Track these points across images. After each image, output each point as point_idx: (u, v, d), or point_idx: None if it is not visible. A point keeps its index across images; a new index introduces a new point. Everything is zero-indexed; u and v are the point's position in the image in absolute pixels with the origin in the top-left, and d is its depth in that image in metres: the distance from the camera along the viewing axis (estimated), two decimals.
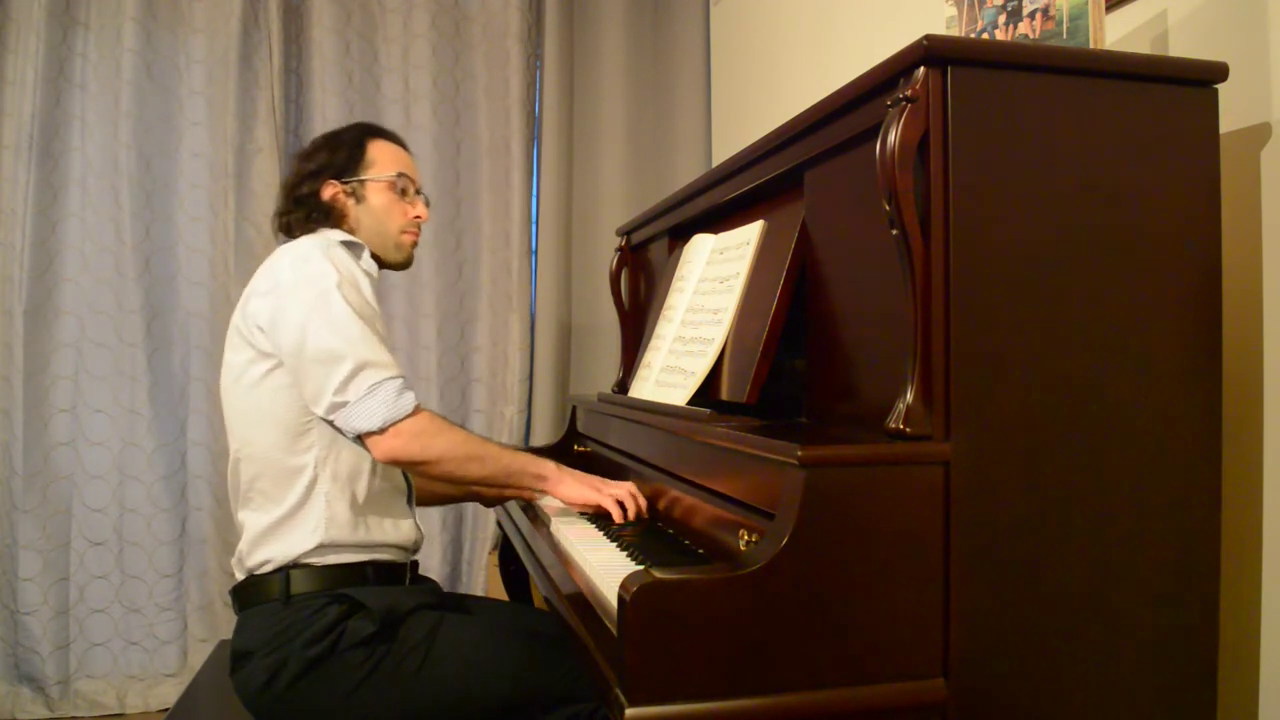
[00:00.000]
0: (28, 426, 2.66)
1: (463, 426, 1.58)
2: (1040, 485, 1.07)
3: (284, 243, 1.61)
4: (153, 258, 2.79)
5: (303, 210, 1.62)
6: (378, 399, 1.41)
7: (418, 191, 1.71)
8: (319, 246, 1.49)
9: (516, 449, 1.63)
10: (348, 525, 1.46)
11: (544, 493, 1.62)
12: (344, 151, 1.65)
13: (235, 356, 1.52)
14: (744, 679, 0.98)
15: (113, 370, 2.76)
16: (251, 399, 1.48)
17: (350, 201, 1.64)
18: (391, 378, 1.43)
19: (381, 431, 1.42)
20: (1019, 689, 1.07)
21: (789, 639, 0.99)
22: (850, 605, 1.01)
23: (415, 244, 1.72)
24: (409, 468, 1.54)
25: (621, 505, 1.57)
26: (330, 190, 1.62)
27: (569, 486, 1.58)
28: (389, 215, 1.66)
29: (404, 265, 1.72)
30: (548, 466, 1.60)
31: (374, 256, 1.66)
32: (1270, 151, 1.22)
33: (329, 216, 1.63)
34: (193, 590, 2.81)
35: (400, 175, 1.67)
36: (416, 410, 1.45)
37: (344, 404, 1.41)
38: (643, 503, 1.58)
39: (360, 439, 1.45)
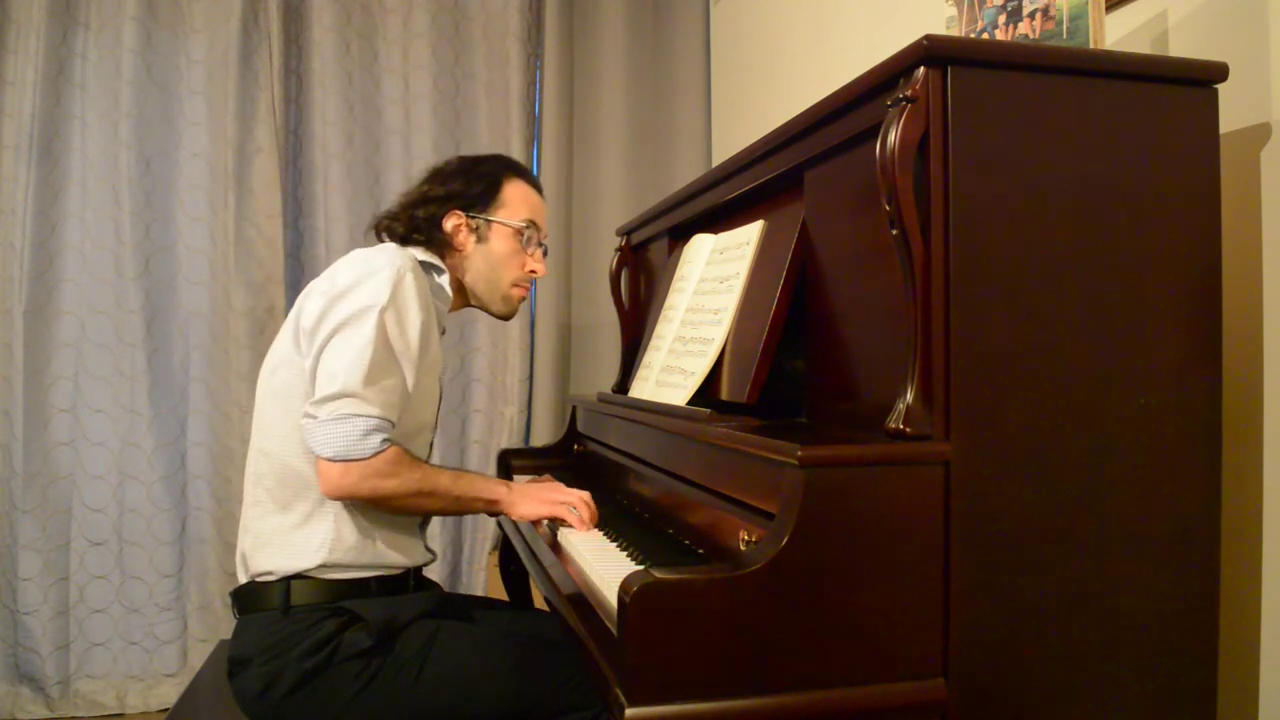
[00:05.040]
0: (28, 426, 2.66)
1: (426, 461, 1.53)
2: (1040, 485, 1.07)
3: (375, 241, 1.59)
4: (153, 258, 2.79)
5: (409, 225, 1.58)
6: (341, 429, 1.36)
7: (540, 243, 1.67)
8: (392, 264, 1.44)
9: (470, 473, 1.60)
10: (354, 548, 1.44)
11: (500, 514, 1.61)
12: (480, 184, 1.61)
13: (279, 347, 1.49)
14: (744, 679, 0.98)
15: (113, 370, 2.75)
16: (278, 399, 1.46)
17: (471, 239, 1.61)
18: (368, 416, 1.38)
19: (332, 461, 1.37)
20: (1019, 689, 1.07)
21: (789, 639, 0.99)
22: (850, 605, 1.01)
23: (524, 299, 1.68)
24: (361, 503, 1.47)
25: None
26: (454, 221, 1.59)
27: (523, 506, 1.58)
28: (506, 264, 1.62)
29: (505, 317, 1.69)
30: (499, 490, 1.58)
31: (472, 302, 1.64)
32: (1270, 151, 1.22)
33: (434, 243, 1.58)
34: (193, 590, 2.81)
35: (529, 224, 1.63)
36: (376, 454, 1.38)
37: (313, 417, 1.38)
38: (594, 511, 1.58)
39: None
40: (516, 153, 2.99)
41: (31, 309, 2.67)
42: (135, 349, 2.75)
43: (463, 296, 1.66)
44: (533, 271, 1.66)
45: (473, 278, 1.63)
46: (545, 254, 1.69)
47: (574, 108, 3.13)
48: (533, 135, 3.06)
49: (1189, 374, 1.13)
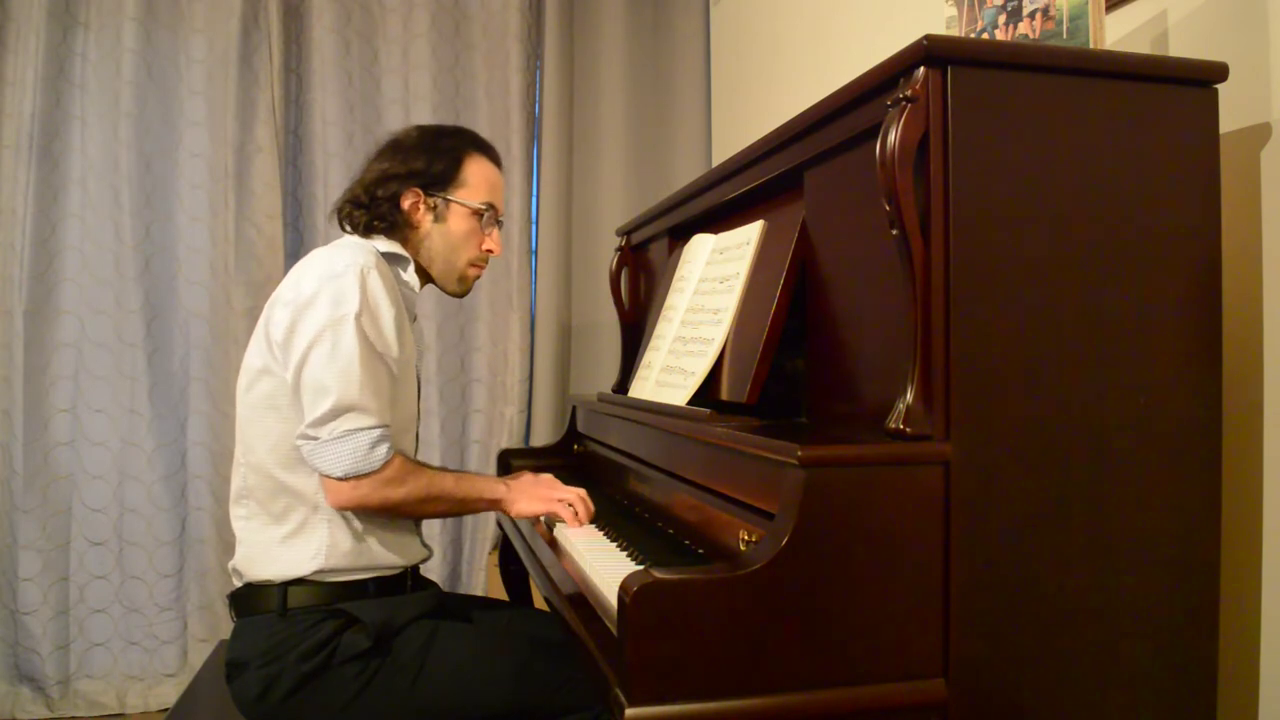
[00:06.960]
0: (28, 426, 2.66)
1: (427, 465, 1.53)
2: (1040, 485, 1.07)
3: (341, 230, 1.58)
4: (153, 258, 2.78)
5: (372, 211, 1.55)
6: (347, 446, 1.36)
7: (498, 221, 1.65)
8: (354, 264, 1.41)
9: (470, 473, 1.61)
10: (349, 553, 1.44)
11: (502, 512, 1.63)
12: (441, 163, 1.57)
13: (252, 360, 1.46)
14: (744, 679, 0.98)
15: (113, 370, 2.75)
16: (259, 412, 1.45)
17: (429, 217, 1.57)
18: (371, 428, 1.38)
19: (343, 479, 1.38)
20: (1019, 689, 1.07)
21: (789, 639, 0.99)
22: (850, 605, 1.01)
23: (478, 278, 1.67)
24: (368, 512, 1.46)
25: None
26: (411, 200, 1.56)
27: (521, 504, 1.59)
28: (464, 244, 1.60)
29: (459, 295, 1.67)
30: (499, 489, 1.59)
31: (430, 279, 1.62)
32: (1270, 151, 1.22)
33: (395, 226, 1.56)
34: (193, 590, 2.80)
35: (488, 206, 1.61)
36: (385, 464, 1.40)
37: (314, 439, 1.37)
38: (590, 507, 1.60)
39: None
40: (516, 153, 2.99)
41: (31, 309, 2.67)
42: (135, 349, 2.75)
43: (422, 276, 1.63)
44: (489, 251, 1.64)
45: (429, 257, 1.60)
46: (501, 228, 1.67)
47: (574, 108, 3.13)
48: (533, 135, 3.06)
49: (1189, 374, 1.13)
